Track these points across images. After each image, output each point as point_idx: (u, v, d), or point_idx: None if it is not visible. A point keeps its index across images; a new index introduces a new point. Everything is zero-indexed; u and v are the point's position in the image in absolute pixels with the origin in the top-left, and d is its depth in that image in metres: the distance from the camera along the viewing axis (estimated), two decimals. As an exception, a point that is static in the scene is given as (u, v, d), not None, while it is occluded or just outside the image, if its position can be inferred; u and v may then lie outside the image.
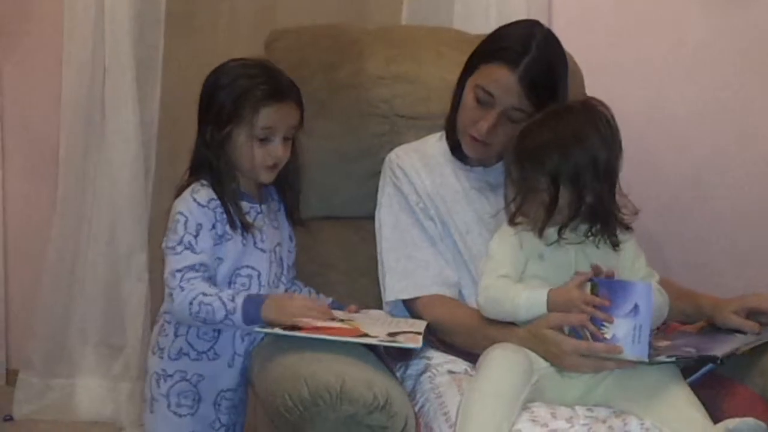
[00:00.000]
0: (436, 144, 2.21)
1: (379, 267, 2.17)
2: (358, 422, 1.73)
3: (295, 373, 1.73)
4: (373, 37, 2.46)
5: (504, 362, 1.81)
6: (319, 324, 1.90)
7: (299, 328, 1.85)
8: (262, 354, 1.90)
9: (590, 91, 2.33)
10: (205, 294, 1.90)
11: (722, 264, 2.75)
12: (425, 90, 2.36)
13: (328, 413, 1.71)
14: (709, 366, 1.90)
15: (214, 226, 1.96)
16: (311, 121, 2.31)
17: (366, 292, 2.19)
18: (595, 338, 1.81)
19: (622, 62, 2.77)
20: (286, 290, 2.12)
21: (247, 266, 2.01)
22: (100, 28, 2.87)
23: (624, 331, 1.79)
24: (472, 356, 1.95)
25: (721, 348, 1.82)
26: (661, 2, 2.79)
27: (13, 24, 3.05)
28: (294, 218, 2.13)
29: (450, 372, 1.98)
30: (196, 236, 1.94)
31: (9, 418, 3.03)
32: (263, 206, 2.06)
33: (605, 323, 1.81)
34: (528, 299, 1.86)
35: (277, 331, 1.87)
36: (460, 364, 2.00)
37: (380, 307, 2.14)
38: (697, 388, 1.86)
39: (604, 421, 1.77)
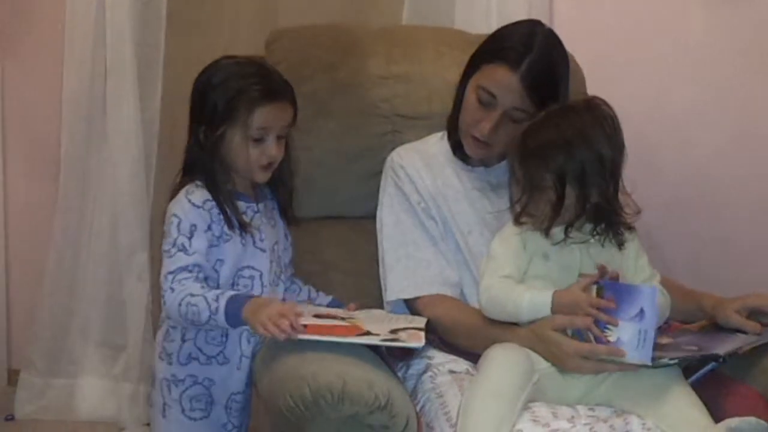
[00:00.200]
0: (437, 144, 2.21)
1: (381, 266, 2.17)
2: (360, 422, 1.73)
3: (297, 374, 1.73)
4: (374, 36, 2.46)
5: (504, 362, 1.81)
6: (322, 322, 1.90)
7: (305, 327, 1.85)
8: (265, 355, 1.90)
9: (591, 91, 2.33)
10: (192, 294, 1.88)
11: (724, 263, 2.75)
12: (426, 90, 2.36)
13: (329, 413, 1.71)
14: (711, 365, 1.90)
15: (209, 227, 1.95)
16: (312, 120, 2.32)
17: (367, 291, 2.19)
18: (598, 341, 1.81)
19: (623, 62, 2.77)
20: (285, 289, 2.11)
21: (249, 266, 2.00)
22: (101, 27, 2.87)
23: (629, 335, 1.80)
24: (473, 356, 1.95)
25: (723, 347, 1.83)
26: (662, 1, 2.79)
27: (15, 23, 3.05)
28: (288, 216, 2.12)
29: (451, 372, 1.98)
30: (189, 237, 1.93)
31: (10, 418, 3.03)
32: (260, 205, 2.05)
33: (609, 326, 1.81)
34: (531, 301, 1.86)
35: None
36: (461, 364, 2.00)
37: (381, 307, 2.14)
38: (698, 387, 1.86)
39: (605, 421, 1.77)
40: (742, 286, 2.06)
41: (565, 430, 1.74)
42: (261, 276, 2.01)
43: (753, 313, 1.94)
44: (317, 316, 1.98)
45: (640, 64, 2.77)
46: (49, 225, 2.98)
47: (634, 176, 1.95)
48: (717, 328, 1.97)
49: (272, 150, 1.97)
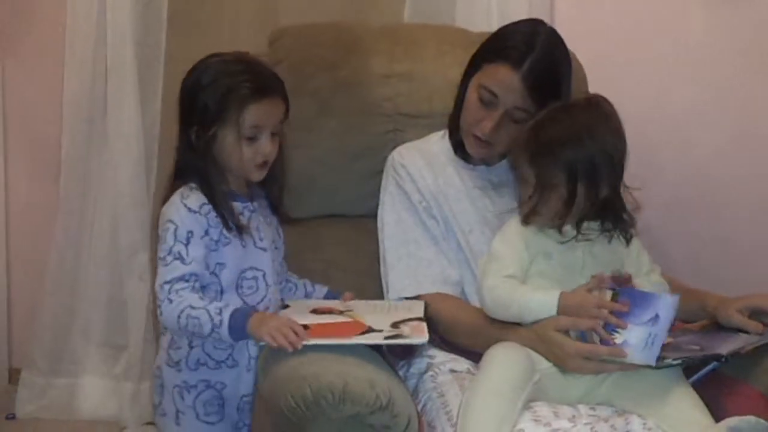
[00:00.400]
0: (438, 142, 2.21)
1: (382, 265, 2.17)
2: (361, 422, 1.73)
3: (298, 374, 1.73)
4: (376, 35, 2.46)
5: (505, 361, 1.81)
6: (324, 321, 1.90)
7: (307, 327, 1.84)
8: (267, 355, 1.89)
9: (592, 90, 2.32)
10: (193, 307, 1.85)
11: (724, 263, 2.74)
12: (428, 88, 2.36)
13: (330, 413, 1.71)
14: (713, 365, 1.89)
15: (207, 232, 1.91)
16: (314, 119, 2.33)
17: (368, 290, 2.18)
18: (604, 343, 1.81)
19: (623, 61, 2.77)
20: (281, 289, 2.09)
21: (252, 267, 1.97)
22: (102, 28, 2.86)
23: (637, 338, 1.80)
24: (474, 355, 1.95)
25: (725, 346, 1.82)
26: (662, 1, 2.79)
27: (16, 24, 3.04)
28: (280, 214, 2.08)
29: (452, 371, 1.98)
30: (186, 244, 1.88)
31: (12, 417, 3.03)
32: (255, 204, 2.01)
33: (618, 329, 1.81)
34: (538, 302, 1.86)
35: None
36: (462, 363, 2.00)
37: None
38: (700, 387, 1.86)
39: (606, 420, 1.77)
40: (743, 286, 2.06)
41: (566, 429, 1.74)
42: (264, 276, 1.99)
43: (755, 313, 1.94)
44: (315, 311, 1.99)
45: (640, 64, 2.76)
46: (51, 225, 2.98)
47: (635, 175, 1.95)
48: (719, 327, 1.97)
49: (266, 148, 1.93)
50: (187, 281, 1.87)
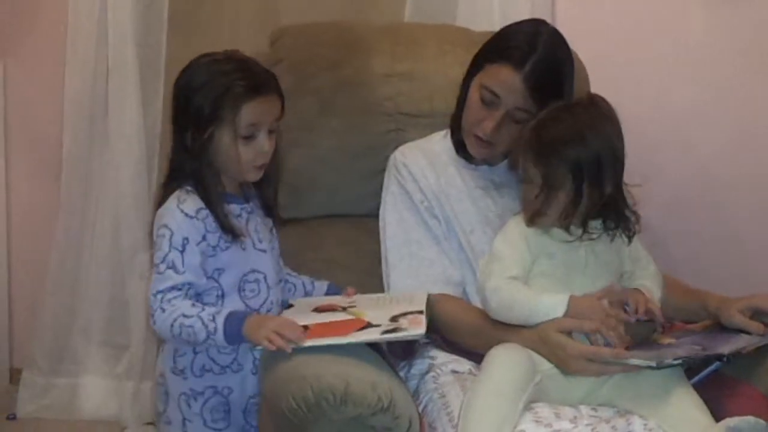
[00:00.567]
0: (440, 142, 2.21)
1: (383, 265, 2.16)
2: (363, 424, 1.73)
3: (300, 375, 1.73)
4: (378, 34, 2.46)
5: (506, 362, 1.81)
6: (323, 320, 1.89)
7: (306, 327, 1.84)
8: (268, 356, 1.88)
9: (594, 89, 2.32)
10: (185, 315, 1.82)
11: (726, 263, 2.74)
12: (429, 88, 2.36)
13: (332, 415, 1.70)
14: (714, 366, 1.89)
15: (204, 238, 1.88)
16: (315, 118, 2.33)
17: (370, 289, 2.17)
18: (607, 345, 1.81)
19: (624, 61, 2.76)
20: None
21: (254, 270, 1.94)
22: (103, 27, 2.87)
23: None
24: (476, 356, 1.95)
25: (727, 347, 1.82)
26: (663, 1, 2.79)
27: (17, 23, 3.05)
28: (274, 214, 2.04)
29: (454, 372, 1.98)
30: (182, 251, 1.85)
31: (13, 417, 3.03)
32: (251, 205, 1.99)
33: None
34: (547, 305, 1.85)
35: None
36: (464, 364, 2.00)
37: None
38: (701, 388, 1.85)
39: (607, 422, 1.77)
40: (745, 286, 2.06)
41: (568, 430, 1.74)
42: (265, 278, 1.97)
43: (756, 314, 1.93)
44: (318, 309, 1.98)
45: (641, 64, 2.76)
46: (52, 225, 2.98)
47: (636, 174, 1.95)
48: (720, 328, 1.96)
49: (265, 147, 1.90)
50: (179, 290, 1.84)
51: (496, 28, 2.23)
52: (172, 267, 1.84)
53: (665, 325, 2.02)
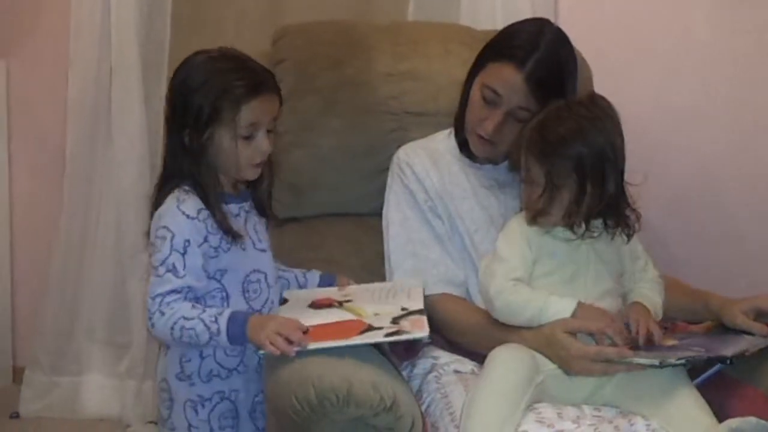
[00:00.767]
0: (444, 141, 2.20)
1: (386, 265, 2.16)
2: (365, 424, 1.73)
3: (303, 376, 1.72)
4: (381, 33, 2.46)
5: (508, 362, 1.81)
6: (324, 321, 1.88)
7: (306, 329, 1.83)
8: (270, 356, 1.88)
9: (597, 88, 2.32)
10: (186, 318, 1.80)
11: (728, 262, 2.75)
12: (433, 87, 2.36)
13: (335, 415, 1.70)
14: (717, 367, 1.89)
15: (206, 239, 1.86)
16: (318, 117, 2.33)
17: (372, 288, 2.18)
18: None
19: (627, 59, 2.77)
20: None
21: (255, 270, 1.94)
22: (106, 27, 2.87)
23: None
24: (478, 356, 1.95)
25: (730, 348, 1.81)
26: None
27: (20, 23, 3.05)
28: (269, 213, 2.02)
29: (456, 372, 1.98)
30: (183, 254, 1.83)
31: (15, 416, 3.04)
32: (247, 203, 1.97)
33: None
34: (556, 309, 1.85)
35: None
36: (466, 364, 2.00)
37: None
38: (704, 389, 1.85)
39: (610, 422, 1.77)
40: (746, 286, 2.06)
41: (570, 430, 1.74)
42: (266, 277, 1.96)
43: (760, 315, 1.93)
44: (313, 304, 1.97)
45: (643, 62, 2.77)
46: (54, 224, 2.99)
47: (638, 174, 1.94)
48: (723, 329, 1.96)
49: (264, 146, 1.88)
50: (178, 293, 1.82)
51: (499, 26, 2.23)
52: (172, 270, 1.82)
53: (668, 326, 2.02)
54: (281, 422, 1.77)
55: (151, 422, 2.96)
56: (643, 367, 1.79)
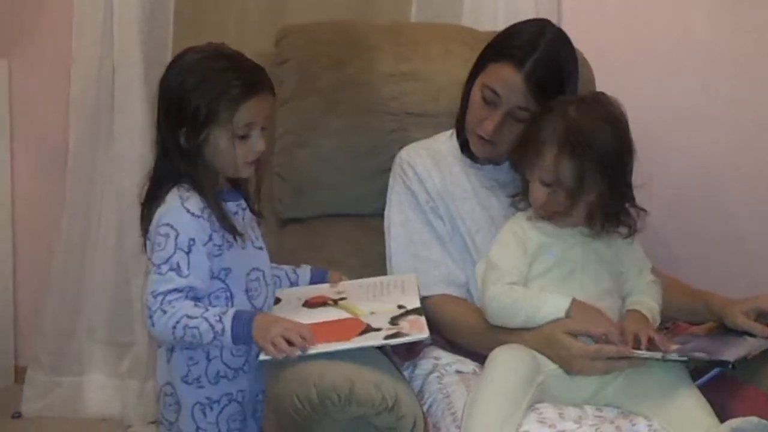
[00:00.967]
0: (446, 142, 2.20)
1: (388, 265, 2.16)
2: (367, 423, 1.73)
3: (304, 375, 1.72)
4: (383, 34, 2.46)
5: (509, 362, 1.81)
6: (321, 320, 1.88)
7: (311, 333, 1.82)
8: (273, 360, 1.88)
9: (598, 88, 2.32)
10: (189, 317, 1.77)
11: (729, 262, 2.74)
12: (434, 88, 2.36)
13: (336, 414, 1.70)
14: (719, 369, 1.88)
15: (210, 238, 1.83)
16: (320, 117, 2.33)
17: (373, 289, 2.18)
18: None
19: (630, 59, 2.77)
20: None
21: (255, 268, 1.93)
22: (108, 26, 2.87)
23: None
24: (480, 357, 1.95)
25: (732, 353, 1.81)
26: (669, 0, 2.79)
27: (22, 22, 3.05)
28: (256, 210, 1.98)
29: (458, 372, 1.98)
30: (188, 253, 1.80)
31: (17, 415, 3.04)
32: (242, 201, 1.94)
33: None
34: (550, 306, 1.85)
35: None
36: (468, 364, 2.00)
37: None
38: (706, 389, 1.85)
39: (612, 422, 1.77)
40: (747, 286, 2.06)
41: (572, 431, 1.74)
42: (264, 275, 1.95)
43: (761, 315, 1.93)
44: (307, 303, 1.96)
45: (646, 62, 2.77)
46: (56, 223, 2.99)
47: (641, 173, 1.95)
48: (725, 330, 1.96)
49: (260, 145, 1.86)
50: (180, 292, 1.79)
51: (501, 27, 2.22)
52: (176, 269, 1.79)
53: (668, 326, 2.02)
54: (282, 422, 1.77)
55: (152, 422, 2.96)
56: (644, 361, 1.80)
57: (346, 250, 2.31)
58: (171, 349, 1.90)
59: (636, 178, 1.94)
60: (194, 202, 1.83)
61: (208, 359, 1.88)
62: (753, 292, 1.99)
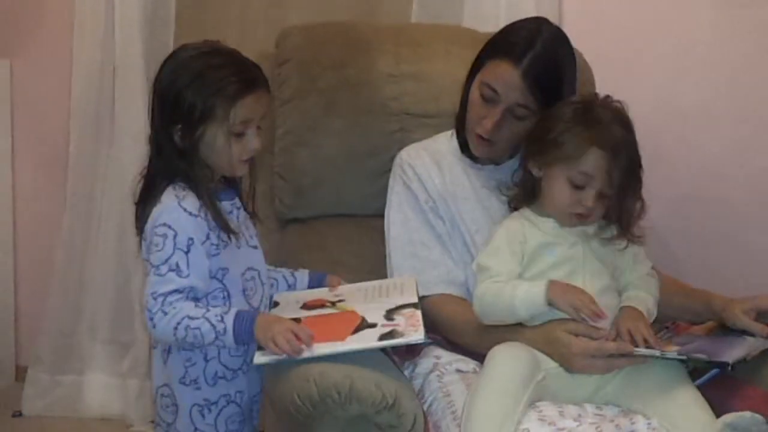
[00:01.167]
0: (446, 142, 2.21)
1: (388, 265, 2.17)
2: (367, 421, 1.73)
3: (305, 373, 1.73)
4: (384, 35, 2.46)
5: (508, 360, 1.81)
6: (318, 313, 1.88)
7: (298, 320, 1.83)
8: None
9: (600, 89, 2.31)
10: (190, 317, 1.75)
11: (732, 261, 2.74)
12: (435, 88, 2.36)
13: (336, 412, 1.71)
14: (718, 370, 1.88)
15: (208, 237, 1.81)
16: (320, 118, 2.33)
17: (373, 289, 2.19)
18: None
19: (632, 60, 2.77)
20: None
21: (250, 268, 1.91)
22: (110, 27, 2.88)
23: None
24: (480, 356, 1.94)
25: (731, 353, 1.81)
26: (671, 0, 2.79)
27: (24, 22, 3.06)
28: (251, 210, 1.96)
29: (458, 371, 1.98)
30: (187, 252, 1.78)
31: (18, 414, 3.04)
32: (237, 200, 1.93)
33: None
34: (526, 289, 1.85)
35: (275, 359, 1.77)
36: (468, 363, 2.00)
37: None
38: (706, 389, 1.86)
39: (611, 420, 1.78)
40: (750, 286, 2.06)
41: (571, 429, 1.74)
42: (259, 274, 1.93)
43: (761, 315, 1.93)
44: (305, 306, 1.95)
45: (649, 62, 2.77)
46: (58, 223, 2.99)
47: (643, 174, 1.95)
48: (724, 330, 1.96)
49: (255, 143, 1.84)
50: (180, 292, 1.77)
51: (502, 28, 2.23)
52: (176, 269, 1.77)
53: (669, 326, 2.02)
54: (282, 420, 1.77)
55: (153, 422, 2.95)
56: (644, 359, 1.80)
57: (347, 250, 2.31)
58: (167, 351, 1.89)
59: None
60: (191, 201, 1.81)
61: (206, 360, 1.87)
62: (755, 291, 1.99)
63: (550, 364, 1.85)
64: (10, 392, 3.12)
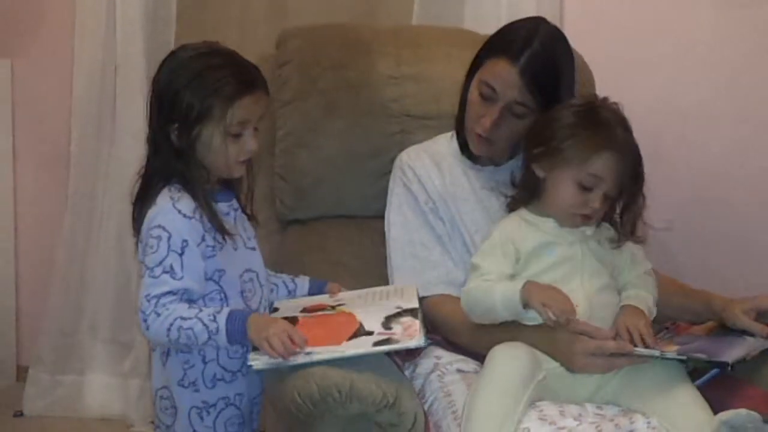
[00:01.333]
0: (446, 143, 2.21)
1: (388, 266, 2.17)
2: (368, 420, 1.74)
3: (305, 372, 1.73)
4: (384, 36, 2.47)
5: (508, 360, 1.81)
6: (316, 314, 1.88)
7: (296, 319, 1.83)
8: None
9: (601, 90, 2.31)
10: (183, 318, 1.75)
11: (733, 262, 2.74)
12: (435, 90, 2.36)
13: (337, 411, 1.71)
14: (718, 370, 1.89)
15: (203, 239, 1.81)
16: (321, 120, 2.33)
17: (374, 290, 2.19)
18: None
19: (634, 61, 2.77)
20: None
21: (248, 270, 1.91)
22: (111, 26, 2.88)
23: None
24: (480, 356, 1.94)
25: (731, 354, 1.81)
26: (672, 0, 2.80)
27: (25, 21, 3.06)
28: (249, 212, 1.96)
29: (459, 371, 1.98)
30: (181, 254, 1.77)
31: (19, 414, 3.04)
32: (234, 202, 1.92)
33: None
34: (504, 291, 1.85)
35: (272, 363, 1.76)
36: (469, 363, 2.00)
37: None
38: (706, 389, 1.86)
39: (611, 420, 1.78)
40: (751, 286, 2.06)
41: (572, 428, 1.75)
42: (258, 276, 1.93)
43: (761, 315, 1.94)
44: (304, 311, 1.95)
45: (650, 63, 2.77)
46: (59, 222, 2.99)
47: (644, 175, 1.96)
48: (724, 330, 1.96)
49: (252, 144, 1.83)
50: (174, 294, 1.77)
51: (502, 28, 2.24)
52: (170, 271, 1.77)
53: (669, 326, 2.02)
54: (283, 419, 1.78)
55: (153, 422, 2.96)
56: (644, 359, 1.80)
57: (347, 251, 2.31)
58: (166, 353, 1.89)
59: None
60: (185, 203, 1.81)
61: (204, 362, 1.86)
62: (756, 291, 2.00)
63: (550, 364, 1.85)
64: (11, 392, 3.12)
